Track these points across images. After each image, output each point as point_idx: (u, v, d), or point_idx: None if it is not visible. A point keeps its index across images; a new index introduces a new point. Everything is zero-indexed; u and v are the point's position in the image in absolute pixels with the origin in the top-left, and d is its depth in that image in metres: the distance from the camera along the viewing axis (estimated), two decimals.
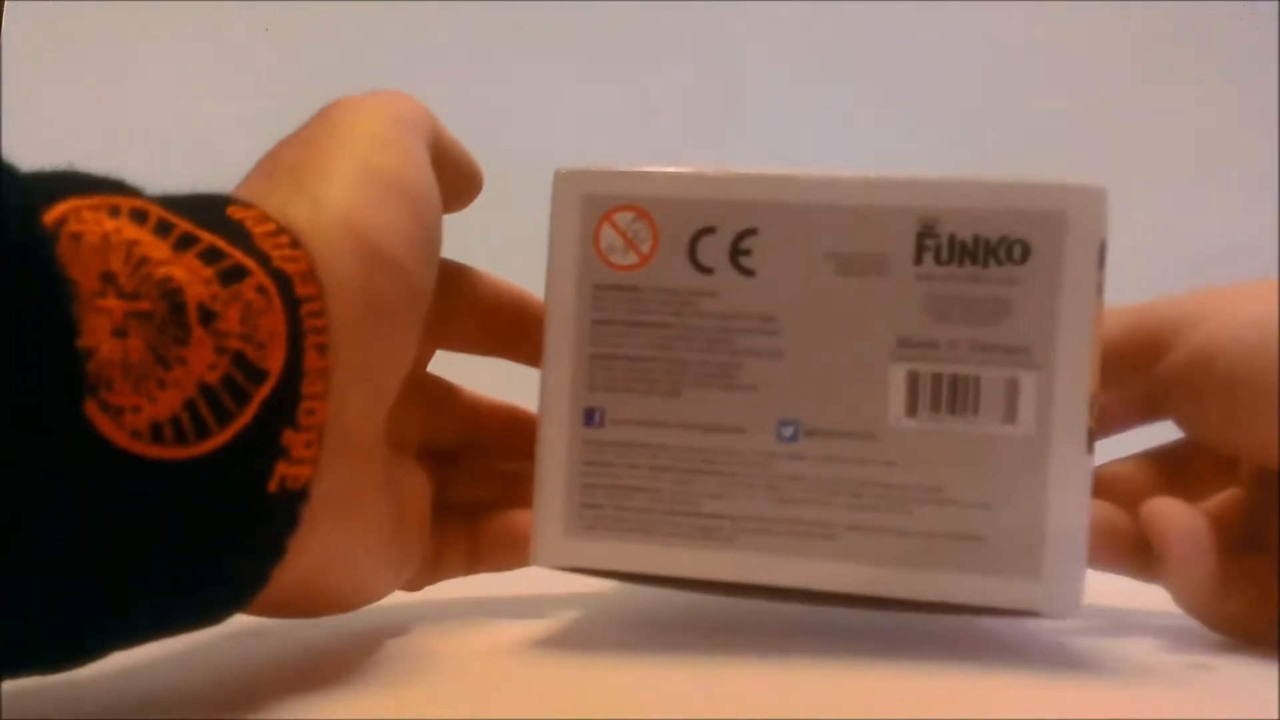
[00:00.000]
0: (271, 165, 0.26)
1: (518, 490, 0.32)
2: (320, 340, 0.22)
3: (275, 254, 0.22)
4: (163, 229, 0.20)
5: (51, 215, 0.19)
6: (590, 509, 0.28)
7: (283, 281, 0.22)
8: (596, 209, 0.27)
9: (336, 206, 0.24)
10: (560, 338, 0.28)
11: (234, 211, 0.22)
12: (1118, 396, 0.33)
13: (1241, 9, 0.58)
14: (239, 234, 0.22)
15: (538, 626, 0.31)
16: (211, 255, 0.21)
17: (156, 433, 0.19)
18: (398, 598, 0.30)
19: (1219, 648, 0.30)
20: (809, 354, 0.26)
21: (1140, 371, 0.32)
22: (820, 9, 0.63)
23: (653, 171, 0.27)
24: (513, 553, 0.32)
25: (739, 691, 0.25)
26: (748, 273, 0.27)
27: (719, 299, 0.27)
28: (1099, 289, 0.26)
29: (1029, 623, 0.32)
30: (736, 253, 0.27)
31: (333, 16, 0.61)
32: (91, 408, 0.18)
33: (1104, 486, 0.27)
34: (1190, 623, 0.31)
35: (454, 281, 0.31)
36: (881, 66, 0.64)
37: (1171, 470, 0.34)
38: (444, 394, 0.33)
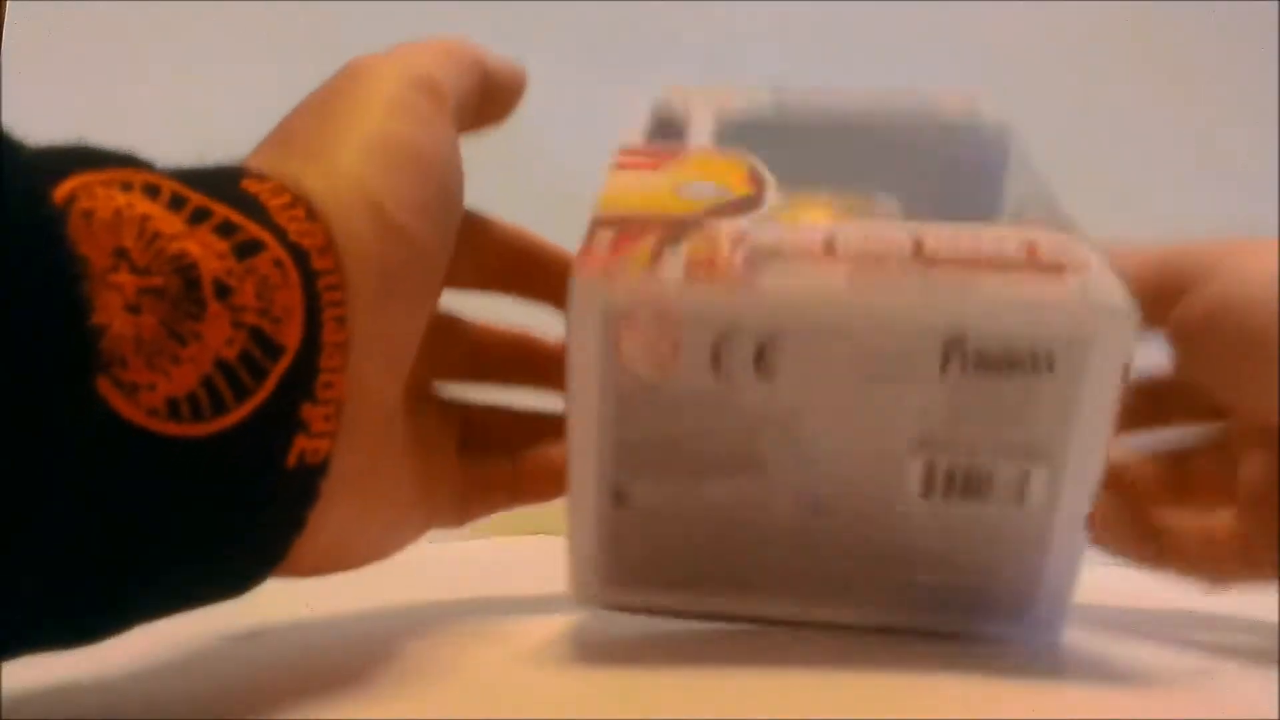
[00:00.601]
0: (287, 132, 0.25)
1: (550, 426, 0.32)
2: (338, 313, 0.22)
3: (291, 227, 0.22)
4: (176, 203, 0.20)
5: (61, 191, 0.18)
6: (624, 567, 0.28)
7: (299, 255, 0.21)
8: (616, 319, 0.26)
9: (352, 177, 0.23)
10: (585, 430, 0.27)
11: (249, 184, 0.22)
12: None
13: (1241, 9, 0.58)
14: (254, 207, 0.21)
15: (546, 627, 0.31)
16: (226, 229, 0.20)
17: (173, 409, 0.19)
18: (401, 600, 0.30)
19: (1220, 650, 0.30)
20: (829, 446, 0.27)
21: (1157, 315, 0.31)
22: (826, 8, 0.63)
23: (674, 280, 0.26)
24: (552, 485, 0.31)
25: (745, 691, 0.25)
26: (770, 377, 0.26)
27: (741, 399, 0.26)
28: (1119, 397, 0.26)
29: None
30: (759, 359, 0.26)
31: (334, 17, 0.61)
32: (105, 386, 0.18)
33: (1109, 477, 0.27)
34: (1191, 624, 0.31)
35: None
36: (884, 66, 0.64)
37: (1172, 467, 0.34)
38: (448, 327, 0.32)
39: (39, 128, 0.19)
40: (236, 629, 0.28)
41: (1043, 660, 0.29)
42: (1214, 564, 0.32)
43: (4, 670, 0.19)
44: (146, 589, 0.20)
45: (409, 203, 0.24)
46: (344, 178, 0.23)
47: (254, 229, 0.21)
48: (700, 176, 0.29)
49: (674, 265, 0.25)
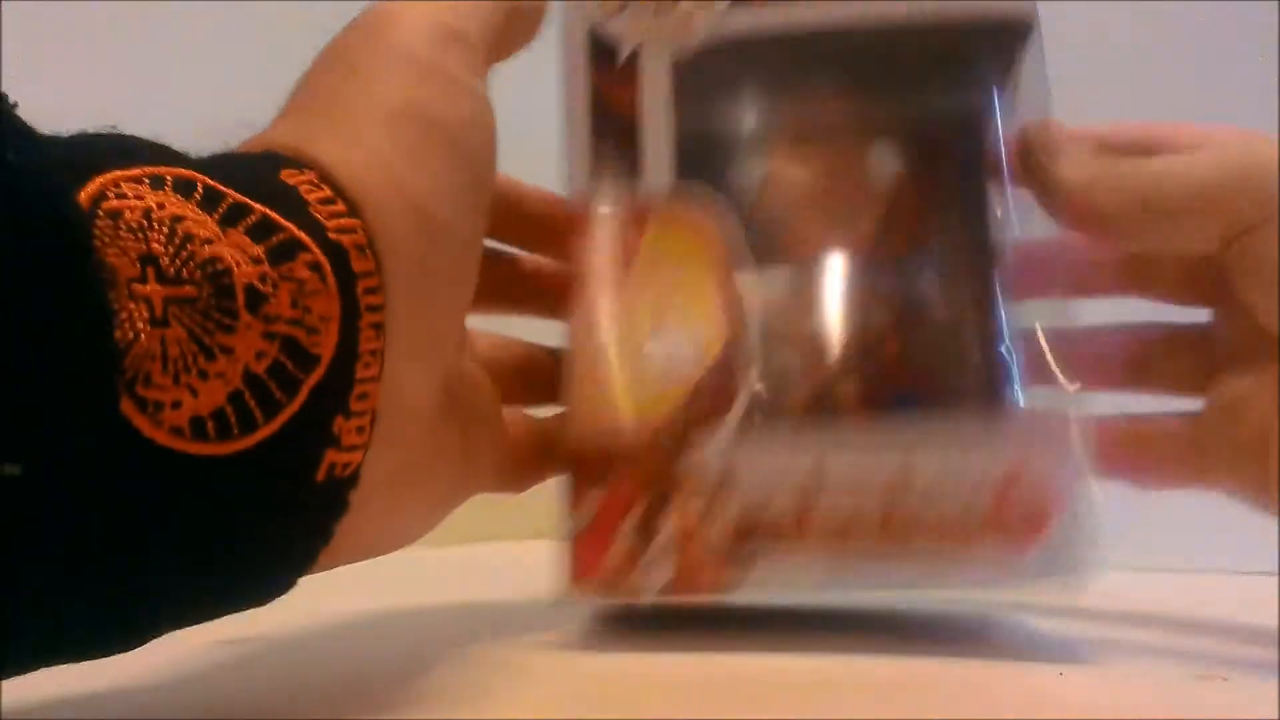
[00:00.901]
0: (310, 97, 0.24)
1: None
2: (376, 319, 0.21)
3: (330, 225, 0.20)
4: (209, 201, 0.19)
5: (88, 190, 0.17)
6: None
7: (338, 255, 0.20)
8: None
9: (382, 161, 0.22)
10: None
11: (288, 175, 0.21)
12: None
13: (1241, 9, 0.58)
14: (292, 203, 0.20)
15: (541, 630, 0.31)
16: (262, 230, 0.19)
17: (198, 429, 0.18)
18: (397, 605, 0.30)
19: (1221, 649, 0.30)
20: None
21: (1214, 228, 0.28)
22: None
23: (657, 597, 0.28)
24: None
25: (745, 689, 0.25)
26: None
27: None
28: None
29: (1030, 624, 0.32)
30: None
31: (337, 14, 0.61)
32: (127, 406, 0.17)
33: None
34: (1190, 624, 0.31)
35: None
36: None
37: (1132, 344, 0.32)
38: None
39: (39, 118, 0.19)
40: (232, 634, 0.28)
41: (1042, 658, 0.29)
42: (1145, 466, 0.31)
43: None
44: (164, 603, 0.19)
45: (444, 190, 0.23)
46: (374, 159, 0.22)
47: (292, 228, 0.19)
48: (666, 306, 0.29)
49: (660, 571, 0.27)
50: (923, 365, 0.30)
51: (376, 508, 0.22)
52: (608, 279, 0.29)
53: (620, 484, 0.28)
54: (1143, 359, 0.32)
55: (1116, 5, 0.59)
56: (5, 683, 0.18)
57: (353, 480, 0.21)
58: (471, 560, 0.46)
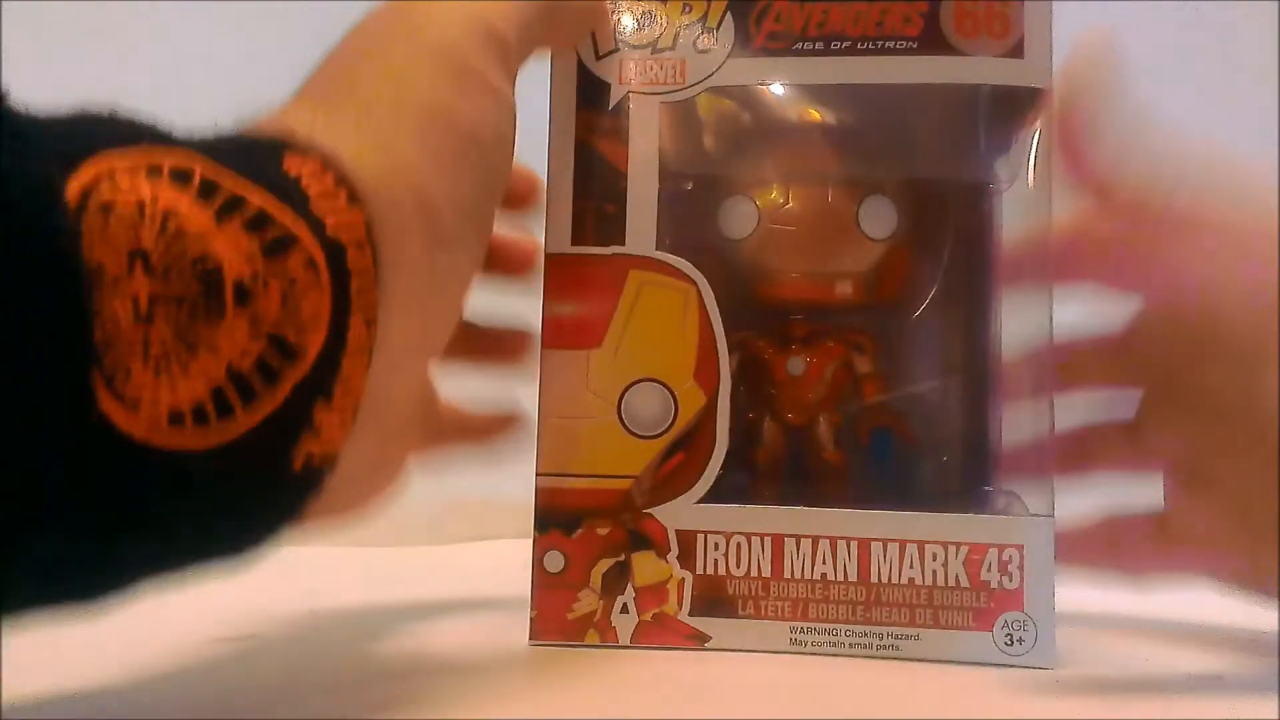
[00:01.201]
0: (335, 84, 0.23)
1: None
2: (368, 315, 0.21)
3: (330, 220, 0.20)
4: (206, 191, 0.18)
5: (80, 179, 0.17)
6: None
7: (334, 252, 0.20)
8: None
9: (406, 163, 0.22)
10: None
11: (291, 162, 0.20)
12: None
13: (1241, 9, 0.58)
14: (293, 194, 0.20)
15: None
16: (258, 223, 0.19)
17: (176, 420, 0.17)
18: (399, 602, 0.30)
19: (1219, 651, 0.30)
20: None
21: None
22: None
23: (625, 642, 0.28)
24: (506, 428, 0.31)
25: (745, 689, 0.25)
26: None
27: None
28: None
29: None
30: None
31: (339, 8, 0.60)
32: (106, 401, 0.17)
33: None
34: (1190, 624, 0.31)
35: None
36: None
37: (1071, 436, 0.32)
38: None
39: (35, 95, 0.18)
40: (230, 633, 0.28)
41: (1044, 663, 0.29)
42: (1116, 560, 0.31)
43: (4, 674, 0.19)
44: (140, 572, 0.19)
45: (459, 198, 0.23)
46: (395, 157, 0.22)
47: (289, 221, 0.19)
48: (642, 362, 0.28)
49: (625, 628, 0.28)
50: (901, 410, 0.30)
51: (348, 488, 0.22)
52: (584, 330, 0.29)
53: (590, 536, 0.28)
54: (1080, 447, 0.32)
55: (1116, 6, 0.59)
56: (5, 683, 0.18)
57: (330, 467, 0.21)
58: (471, 559, 0.46)
